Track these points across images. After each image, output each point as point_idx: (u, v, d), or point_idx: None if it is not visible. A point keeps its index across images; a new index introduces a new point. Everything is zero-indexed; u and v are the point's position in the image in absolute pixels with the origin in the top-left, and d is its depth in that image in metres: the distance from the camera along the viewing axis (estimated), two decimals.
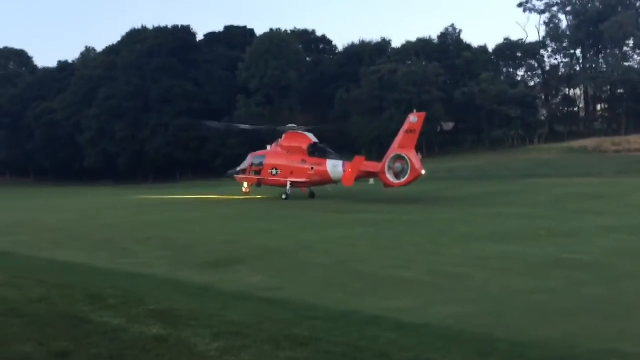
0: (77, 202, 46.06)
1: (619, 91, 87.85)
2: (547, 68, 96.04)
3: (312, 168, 34.04)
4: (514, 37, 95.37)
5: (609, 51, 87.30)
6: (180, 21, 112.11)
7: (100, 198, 49.97)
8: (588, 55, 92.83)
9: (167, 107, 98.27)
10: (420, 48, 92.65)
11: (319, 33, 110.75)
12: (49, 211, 36.65)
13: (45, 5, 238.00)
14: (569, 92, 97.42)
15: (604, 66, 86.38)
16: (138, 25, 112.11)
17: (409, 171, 29.42)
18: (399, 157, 30.14)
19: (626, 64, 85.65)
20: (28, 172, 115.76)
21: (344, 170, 32.58)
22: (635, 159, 57.48)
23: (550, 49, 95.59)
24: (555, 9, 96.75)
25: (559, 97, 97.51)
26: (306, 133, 36.29)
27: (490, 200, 31.19)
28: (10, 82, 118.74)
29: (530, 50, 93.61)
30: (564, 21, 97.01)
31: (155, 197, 46.98)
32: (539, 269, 12.96)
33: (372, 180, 33.33)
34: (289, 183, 34.72)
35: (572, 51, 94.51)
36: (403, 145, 30.47)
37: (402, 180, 29.90)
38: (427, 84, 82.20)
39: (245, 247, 17.39)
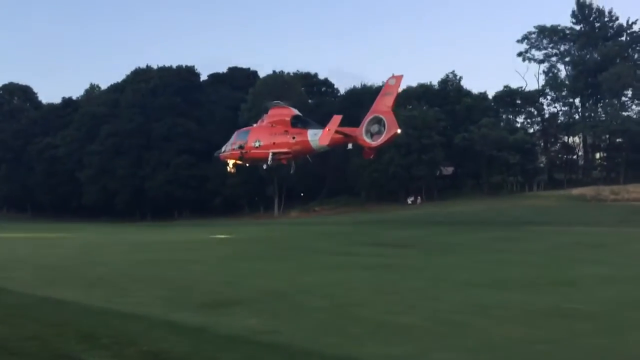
0: (74, 238, 45.76)
1: (617, 140, 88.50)
2: (547, 116, 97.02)
3: (294, 137, 33.86)
4: (514, 85, 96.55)
5: (607, 101, 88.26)
6: (185, 62, 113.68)
7: (98, 235, 49.68)
8: (587, 105, 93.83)
9: (168, 145, 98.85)
10: (421, 93, 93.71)
11: (321, 76, 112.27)
12: (45, 247, 36.37)
13: (52, 42, 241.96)
14: (568, 140, 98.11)
15: (603, 115, 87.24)
16: (143, 65, 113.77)
17: (385, 131, 29.16)
18: (376, 120, 30.04)
19: (625, 113, 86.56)
20: (25, 207, 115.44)
21: None
22: (634, 208, 57.42)
23: (549, 97, 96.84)
24: (554, 59, 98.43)
25: (558, 144, 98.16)
26: (290, 107, 36.16)
27: (489, 247, 31.01)
28: (13, 117, 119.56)
29: (530, 98, 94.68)
30: (562, 71, 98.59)
31: (153, 235, 46.75)
32: (540, 318, 12.76)
33: (350, 145, 32.78)
34: (270, 154, 34.32)
35: (571, 100, 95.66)
36: (380, 107, 30.38)
37: (380, 140, 29.62)
38: (427, 129, 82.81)
39: (243, 289, 17.19)
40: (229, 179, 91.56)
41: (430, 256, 26.83)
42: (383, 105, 29.93)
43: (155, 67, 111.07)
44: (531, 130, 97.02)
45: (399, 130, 29.44)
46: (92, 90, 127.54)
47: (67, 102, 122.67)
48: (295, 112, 35.38)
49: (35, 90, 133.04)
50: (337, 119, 30.66)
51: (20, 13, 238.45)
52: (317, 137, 32.16)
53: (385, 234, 41.93)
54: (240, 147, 34.92)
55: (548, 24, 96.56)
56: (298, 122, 34.42)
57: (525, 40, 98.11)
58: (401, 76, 30.64)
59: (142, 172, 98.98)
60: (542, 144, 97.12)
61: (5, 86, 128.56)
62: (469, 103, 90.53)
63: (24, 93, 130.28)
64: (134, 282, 18.72)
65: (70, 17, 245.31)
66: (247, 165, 37.08)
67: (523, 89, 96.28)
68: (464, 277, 19.25)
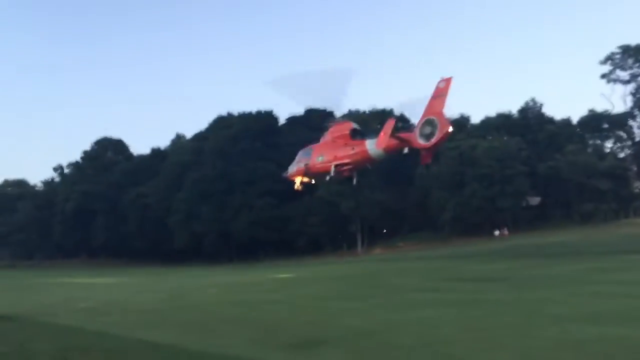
0: (166, 282, 47.54)
1: None
2: (637, 139, 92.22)
3: (353, 148, 34.73)
4: (599, 109, 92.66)
5: None
6: (264, 106, 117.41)
7: (188, 279, 51.33)
8: None
9: (250, 188, 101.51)
10: (500, 123, 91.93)
11: (397, 112, 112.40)
12: (139, 291, 37.95)
13: (142, 97, 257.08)
14: None
15: None
16: (224, 112, 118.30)
17: (437, 131, 29.27)
18: (428, 122, 30.19)
19: None
20: (121, 253, 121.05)
21: None
22: None
23: (639, 120, 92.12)
24: None
25: None
26: (349, 122, 37.16)
27: (584, 278, 29.51)
28: (107, 170, 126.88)
29: (618, 121, 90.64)
30: None
31: (240, 277, 47.77)
32: None
33: (406, 150, 32.82)
34: (332, 166, 35.18)
35: None
36: (432, 110, 30.63)
37: (433, 140, 29.81)
38: (510, 159, 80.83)
39: (329, 328, 17.26)
40: (311, 219, 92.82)
41: (520, 290, 25.85)
42: (434, 108, 30.41)
43: (236, 113, 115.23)
44: (622, 155, 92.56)
45: (450, 129, 29.82)
46: (178, 139, 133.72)
47: (156, 152, 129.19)
48: (354, 125, 36.59)
49: (126, 142, 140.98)
50: (391, 122, 31.51)
51: (111, 70, 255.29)
52: (374, 145, 32.95)
53: (472, 268, 40.87)
54: (306, 165, 36.22)
55: (632, 43, 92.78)
56: (357, 135, 35.52)
57: (609, 61, 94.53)
58: (450, 78, 30.99)
59: (226, 216, 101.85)
60: (635, 169, 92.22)
61: (99, 141, 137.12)
62: (552, 130, 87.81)
63: (116, 146, 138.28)
64: (224, 324, 19.21)
65: (157, 73, 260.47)
66: (313, 181, 38.26)
67: (610, 112, 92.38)
68: (557, 312, 18.44)
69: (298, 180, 38.61)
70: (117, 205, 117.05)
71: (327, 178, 36.07)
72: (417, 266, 48.78)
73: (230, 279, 48.04)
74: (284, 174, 40.88)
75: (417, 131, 31.03)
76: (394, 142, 32.03)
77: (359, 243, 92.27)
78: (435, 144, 30.82)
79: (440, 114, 30.35)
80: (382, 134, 32.33)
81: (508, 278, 31.80)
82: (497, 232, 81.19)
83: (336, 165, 35.63)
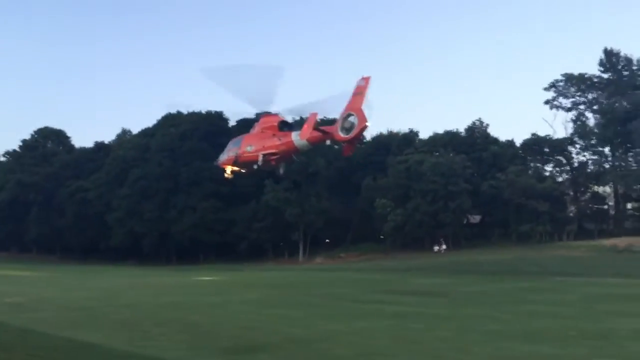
0: (100, 280, 46.09)
1: None
2: (575, 164, 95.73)
3: (280, 139, 36.24)
4: (541, 133, 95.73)
5: (638, 150, 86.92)
6: (215, 107, 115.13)
7: (124, 278, 49.93)
8: (617, 154, 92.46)
9: (195, 189, 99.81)
10: (447, 140, 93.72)
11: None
12: (72, 289, 36.69)
13: (87, 88, 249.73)
14: (598, 190, 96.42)
15: (634, 165, 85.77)
16: (174, 110, 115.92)
17: (356, 124, 31.05)
18: (348, 116, 32.05)
19: None
20: (54, 249, 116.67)
21: None
22: None
23: (578, 146, 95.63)
24: (582, 107, 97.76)
25: (588, 194, 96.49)
26: (279, 114, 38.47)
27: (518, 297, 30.32)
28: (46, 160, 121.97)
29: (558, 146, 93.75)
30: (591, 119, 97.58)
31: (178, 279, 46.87)
32: None
33: (328, 141, 34.40)
34: (260, 156, 36.43)
35: (600, 149, 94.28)
36: (352, 106, 32.60)
37: (352, 134, 31.70)
38: (454, 176, 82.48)
39: (266, 335, 17.03)
40: (255, 224, 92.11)
41: (456, 306, 26.29)
42: (355, 104, 32.28)
43: (185, 112, 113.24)
44: (560, 179, 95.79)
45: (368, 123, 31.54)
46: (124, 134, 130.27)
47: (99, 146, 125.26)
48: (283, 117, 37.88)
49: (68, 134, 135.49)
50: (313, 115, 32.82)
51: (56, 59, 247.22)
52: (299, 137, 34.35)
53: (411, 282, 41.40)
54: (236, 154, 37.09)
55: (575, 72, 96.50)
56: (285, 127, 36.93)
57: (553, 88, 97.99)
58: (369, 77, 33.11)
59: (169, 216, 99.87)
60: (571, 193, 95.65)
61: (40, 130, 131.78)
62: (496, 150, 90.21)
63: (58, 137, 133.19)
64: (157, 326, 18.69)
65: (105, 64, 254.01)
66: (242, 170, 39.21)
67: (551, 137, 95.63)
68: (491, 328, 18.79)
69: (228, 168, 39.65)
70: (54, 199, 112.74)
71: (255, 167, 37.09)
72: (357, 277, 49.06)
73: (167, 280, 47.06)
74: (215, 162, 41.89)
75: (338, 125, 32.86)
76: (316, 134, 33.63)
77: (301, 251, 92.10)
78: (355, 137, 32.76)
79: (360, 110, 32.30)
80: (305, 126, 33.88)
81: (446, 293, 32.30)
82: (436, 248, 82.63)
83: (264, 155, 36.97)
